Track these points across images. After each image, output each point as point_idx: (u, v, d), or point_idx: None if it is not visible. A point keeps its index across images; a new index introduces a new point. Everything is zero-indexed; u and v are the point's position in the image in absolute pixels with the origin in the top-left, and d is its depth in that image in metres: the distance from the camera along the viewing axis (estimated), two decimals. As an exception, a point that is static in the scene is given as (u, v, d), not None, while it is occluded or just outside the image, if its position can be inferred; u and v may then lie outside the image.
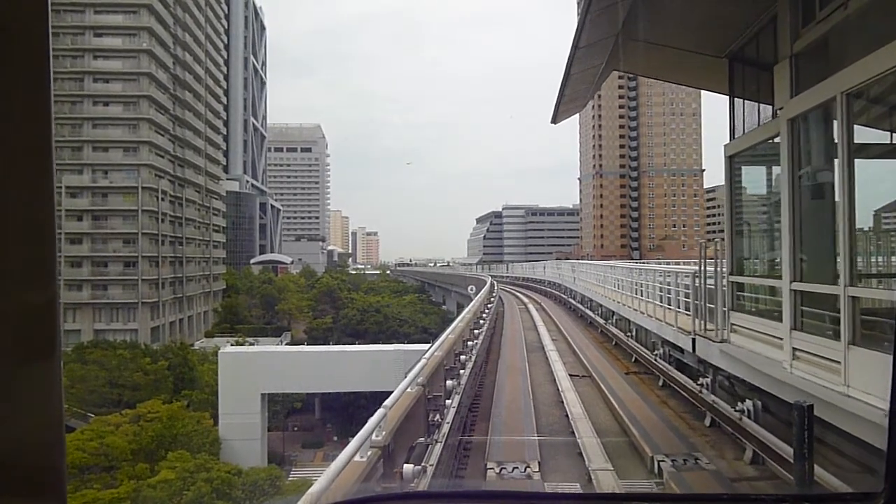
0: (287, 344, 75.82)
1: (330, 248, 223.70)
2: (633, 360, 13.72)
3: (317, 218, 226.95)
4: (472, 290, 19.41)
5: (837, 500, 2.26)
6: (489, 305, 20.12)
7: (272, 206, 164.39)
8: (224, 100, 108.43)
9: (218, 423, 29.64)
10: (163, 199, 76.15)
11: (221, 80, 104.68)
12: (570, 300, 28.27)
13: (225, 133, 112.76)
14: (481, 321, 15.36)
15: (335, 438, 53.59)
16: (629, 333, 14.41)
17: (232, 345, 60.19)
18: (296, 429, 55.95)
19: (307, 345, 70.85)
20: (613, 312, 16.95)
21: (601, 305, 19.19)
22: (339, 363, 29.17)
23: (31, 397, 0.75)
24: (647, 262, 24.61)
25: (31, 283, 0.75)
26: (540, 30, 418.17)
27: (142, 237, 71.74)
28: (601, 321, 18.65)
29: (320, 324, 74.13)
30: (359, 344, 66.11)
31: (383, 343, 65.95)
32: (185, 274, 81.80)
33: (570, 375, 11.64)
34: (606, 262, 25.82)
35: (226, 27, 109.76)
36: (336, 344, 67.40)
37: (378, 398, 5.30)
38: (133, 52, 72.72)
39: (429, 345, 11.05)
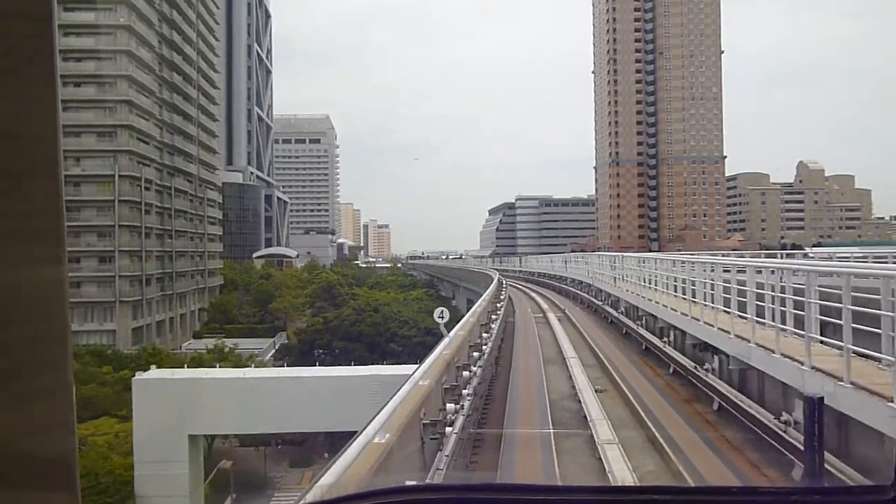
0: (281, 344, 69.49)
1: (340, 241, 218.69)
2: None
3: (326, 210, 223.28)
4: (441, 316, 11.61)
5: (847, 492, 2.23)
6: (491, 327, 12.60)
7: (279, 199, 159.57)
8: (219, 85, 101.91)
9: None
10: (147, 189, 69.59)
11: (216, 64, 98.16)
12: (609, 310, 20.51)
13: (220, 120, 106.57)
14: (470, 370, 8.03)
15: (326, 455, 46.78)
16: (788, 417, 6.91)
17: (210, 349, 53.76)
18: (279, 446, 48.94)
19: (298, 348, 64.61)
20: (715, 350, 9.34)
21: (674, 328, 11.58)
22: (296, 392, 21.83)
23: (41, 389, 0.75)
24: (743, 256, 16.71)
25: (39, 274, 0.74)
26: (552, 22, 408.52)
27: (119, 230, 65.16)
28: (683, 360, 11.08)
29: (310, 324, 67.39)
30: (353, 347, 59.50)
31: (381, 347, 59.36)
32: (175, 269, 75.53)
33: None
34: (670, 254, 18.21)
35: (219, 7, 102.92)
36: (326, 348, 60.66)
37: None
38: (109, 27, 66.11)
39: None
